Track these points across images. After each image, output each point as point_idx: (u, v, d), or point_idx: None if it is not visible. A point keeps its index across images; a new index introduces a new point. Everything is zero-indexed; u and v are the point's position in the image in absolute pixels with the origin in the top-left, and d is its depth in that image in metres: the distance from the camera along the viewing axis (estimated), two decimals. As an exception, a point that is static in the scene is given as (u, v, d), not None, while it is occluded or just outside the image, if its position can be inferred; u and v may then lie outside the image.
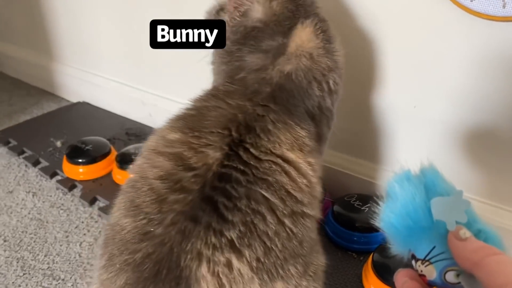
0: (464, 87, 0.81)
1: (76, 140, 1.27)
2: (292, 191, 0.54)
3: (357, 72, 0.91)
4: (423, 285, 0.39)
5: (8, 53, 1.82)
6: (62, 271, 0.90)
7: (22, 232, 1.00)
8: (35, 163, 1.25)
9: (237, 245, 0.48)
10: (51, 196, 1.12)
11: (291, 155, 0.56)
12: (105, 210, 1.04)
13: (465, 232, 0.36)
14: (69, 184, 1.14)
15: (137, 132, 1.36)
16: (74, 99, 1.64)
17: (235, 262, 0.48)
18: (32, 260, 0.93)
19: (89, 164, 1.15)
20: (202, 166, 0.53)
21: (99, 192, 1.10)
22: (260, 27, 0.66)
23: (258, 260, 0.48)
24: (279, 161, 0.55)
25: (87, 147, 1.17)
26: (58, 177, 1.19)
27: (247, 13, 0.67)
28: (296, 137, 0.59)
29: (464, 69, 0.80)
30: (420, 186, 0.40)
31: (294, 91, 0.63)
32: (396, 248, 0.42)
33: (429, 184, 0.41)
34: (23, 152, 1.30)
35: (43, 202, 1.10)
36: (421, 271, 0.39)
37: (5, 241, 0.98)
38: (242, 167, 0.53)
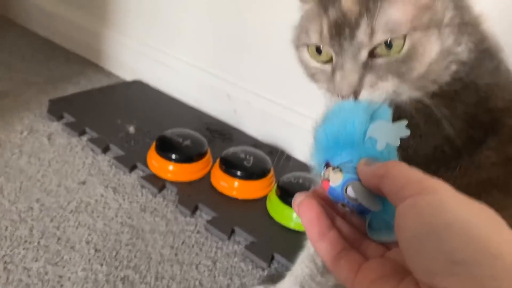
0: None
1: (149, 128, 1.09)
2: None
3: None
4: (319, 202, 0.38)
5: (45, 9, 1.56)
6: (187, 305, 0.70)
7: (115, 241, 0.79)
8: (105, 150, 1.02)
9: None
10: (137, 196, 0.91)
11: None
12: (214, 224, 0.85)
13: (372, 160, 0.37)
14: (160, 184, 0.93)
15: (220, 130, 1.16)
16: (126, 76, 1.41)
17: None
18: (141, 283, 0.72)
19: (184, 162, 0.95)
20: None
21: (201, 199, 0.90)
22: None
23: None
24: None
25: (185, 142, 0.96)
26: (140, 172, 0.97)
27: None
28: None
29: None
30: (369, 111, 0.41)
31: None
32: (315, 156, 0.42)
33: (377, 115, 0.41)
34: (84, 132, 1.07)
35: (130, 202, 0.89)
36: (328, 176, 0.39)
37: (96, 250, 0.77)
38: None
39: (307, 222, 0.38)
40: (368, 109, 0.41)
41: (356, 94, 0.46)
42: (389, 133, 0.39)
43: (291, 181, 0.89)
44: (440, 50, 0.47)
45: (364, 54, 0.46)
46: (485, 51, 0.51)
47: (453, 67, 0.49)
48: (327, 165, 0.40)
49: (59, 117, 1.12)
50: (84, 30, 1.47)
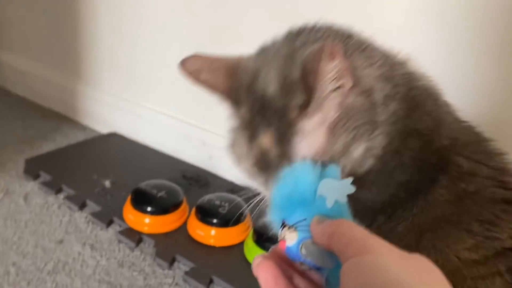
0: None
1: (126, 180, 1.10)
2: None
3: None
4: (276, 262, 0.40)
5: (19, 68, 1.59)
6: None
7: (94, 300, 0.79)
8: (82, 206, 1.03)
9: None
10: (114, 251, 0.92)
11: None
12: (192, 275, 0.86)
13: (323, 218, 0.40)
14: (136, 238, 0.94)
15: (196, 177, 1.18)
16: (101, 129, 1.43)
17: None
18: None
19: (160, 214, 0.96)
20: None
21: (178, 250, 0.91)
22: None
23: None
24: None
25: (159, 194, 0.97)
26: (117, 227, 0.98)
27: None
28: None
29: None
30: (318, 170, 0.43)
31: None
32: (272, 216, 0.44)
33: (326, 173, 0.43)
34: (60, 190, 1.08)
35: (108, 259, 0.89)
36: (284, 236, 0.41)
37: (74, 312, 0.77)
38: None
39: (264, 284, 0.39)
40: (318, 169, 0.44)
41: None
42: (337, 191, 0.42)
43: (267, 225, 0.90)
44: (363, 152, 0.49)
45: None
46: (414, 98, 0.53)
47: (382, 141, 0.51)
48: (283, 224, 0.42)
49: (36, 176, 1.12)
50: (58, 87, 1.50)
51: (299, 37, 0.52)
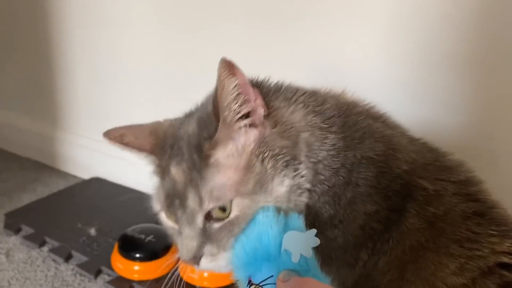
0: None
1: (112, 226, 1.07)
2: None
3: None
4: None
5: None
6: None
7: None
8: (67, 258, 1.00)
9: None
10: (105, 303, 0.88)
11: None
12: (188, 321, 0.83)
13: (289, 274, 0.40)
14: (127, 286, 0.91)
15: (184, 216, 1.15)
16: (82, 175, 1.40)
17: None
18: None
19: (150, 260, 0.93)
20: None
21: (171, 296, 0.88)
22: None
23: None
24: None
25: (148, 238, 0.95)
26: (105, 277, 0.95)
27: None
28: None
29: None
30: (281, 222, 0.43)
31: None
32: (238, 273, 0.44)
33: (289, 224, 0.43)
34: (44, 242, 1.05)
35: (98, 312, 0.86)
36: None
37: None
38: None
39: None
40: (280, 220, 0.43)
41: (196, 260, 0.49)
42: (302, 244, 0.41)
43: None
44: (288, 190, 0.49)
45: (200, 220, 0.49)
46: (356, 125, 0.52)
47: (322, 176, 0.50)
48: (250, 282, 0.42)
49: (17, 230, 1.09)
50: (35, 135, 1.47)
51: None
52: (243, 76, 0.47)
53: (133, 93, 1.25)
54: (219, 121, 0.47)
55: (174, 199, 0.50)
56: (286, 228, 0.43)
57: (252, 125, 0.49)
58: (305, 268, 0.40)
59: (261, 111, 0.49)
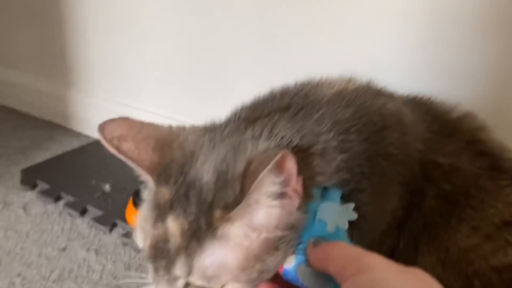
0: None
1: (125, 183, 1.08)
2: None
3: None
4: (278, 283, 0.41)
5: (8, 80, 1.56)
6: None
7: (105, 306, 0.78)
8: (83, 212, 1.02)
9: None
10: (120, 254, 0.91)
11: None
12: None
13: (318, 240, 0.39)
14: (141, 239, 0.92)
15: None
16: (95, 135, 1.40)
17: None
18: None
19: (163, 213, 0.95)
20: None
21: (184, 249, 0.90)
22: None
23: None
24: None
25: (161, 193, 0.96)
26: (120, 230, 0.97)
27: None
28: None
29: None
30: (317, 193, 0.42)
31: None
32: None
33: (327, 197, 0.43)
34: (59, 197, 1.07)
35: (114, 262, 0.88)
36: None
37: (85, 318, 0.75)
38: None
39: None
40: (318, 191, 0.43)
41: None
42: (338, 216, 0.41)
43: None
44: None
45: (180, 284, 0.42)
46: (371, 132, 0.48)
47: None
48: None
49: (33, 186, 1.11)
50: (48, 95, 1.48)
51: (252, 126, 0.46)
52: (292, 169, 0.39)
53: (146, 53, 1.24)
54: (244, 195, 0.39)
55: (161, 257, 0.42)
56: (324, 198, 0.43)
57: (281, 206, 0.41)
58: (336, 238, 0.40)
59: (296, 202, 0.41)
